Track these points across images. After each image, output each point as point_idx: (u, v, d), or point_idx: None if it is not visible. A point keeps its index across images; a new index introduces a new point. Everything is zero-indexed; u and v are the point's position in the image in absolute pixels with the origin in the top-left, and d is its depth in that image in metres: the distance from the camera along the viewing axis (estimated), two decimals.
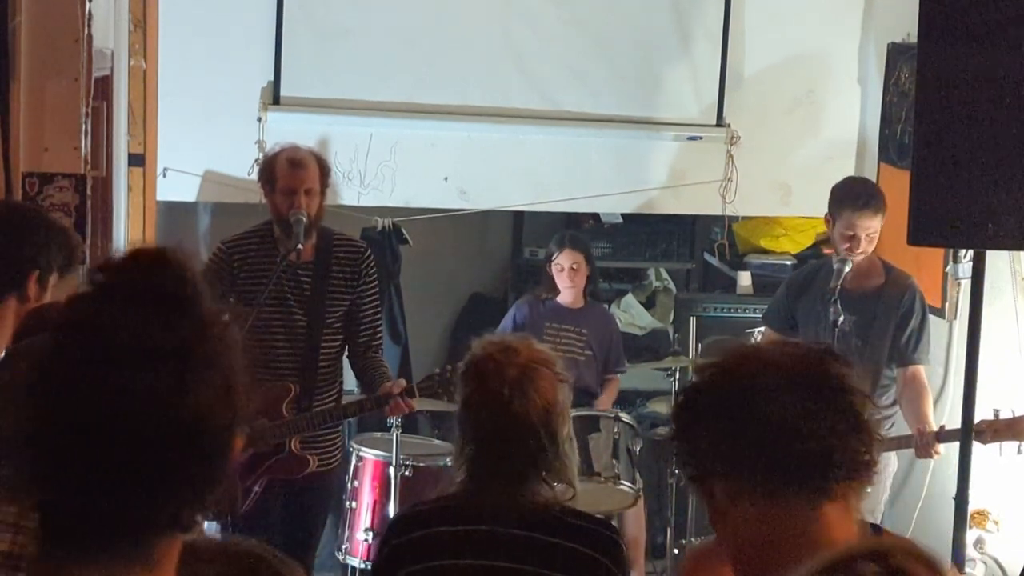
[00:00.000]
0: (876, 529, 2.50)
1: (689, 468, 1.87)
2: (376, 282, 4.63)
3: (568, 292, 5.76)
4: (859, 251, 4.71)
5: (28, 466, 1.26)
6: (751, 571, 1.84)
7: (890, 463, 4.88)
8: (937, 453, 4.68)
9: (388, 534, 2.87)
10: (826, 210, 4.84)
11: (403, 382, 4.44)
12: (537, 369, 2.79)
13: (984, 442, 4.31)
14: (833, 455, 1.78)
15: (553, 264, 5.77)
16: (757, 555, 1.82)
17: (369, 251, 4.64)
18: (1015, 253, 4.88)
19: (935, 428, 4.68)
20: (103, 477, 1.24)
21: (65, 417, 1.23)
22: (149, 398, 1.23)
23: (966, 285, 4.94)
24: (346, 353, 4.63)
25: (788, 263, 6.51)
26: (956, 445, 4.09)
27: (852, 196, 4.77)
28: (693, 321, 6.32)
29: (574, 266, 5.74)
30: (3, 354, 2.86)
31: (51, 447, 1.24)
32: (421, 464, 4.78)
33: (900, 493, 5.40)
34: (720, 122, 6.11)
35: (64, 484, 1.25)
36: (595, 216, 6.87)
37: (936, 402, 5.19)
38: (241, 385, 1.30)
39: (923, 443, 4.62)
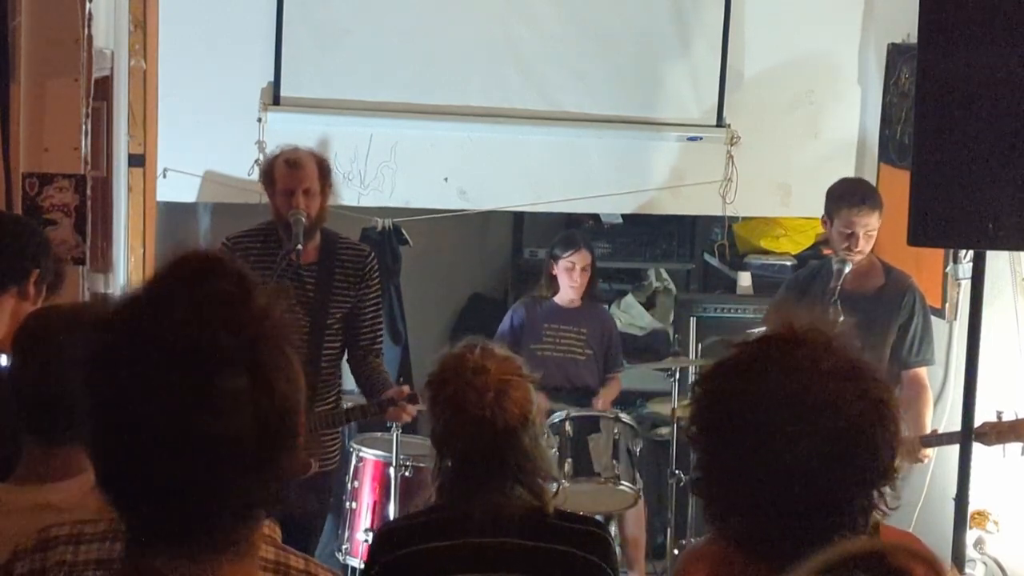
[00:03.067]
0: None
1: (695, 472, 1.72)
2: (379, 287, 4.64)
3: (570, 291, 5.75)
4: (857, 249, 4.70)
5: (114, 467, 1.29)
6: None
7: None
8: (926, 457, 4.68)
9: (376, 551, 2.84)
10: (822, 212, 4.85)
11: (406, 388, 4.44)
12: (509, 380, 2.77)
13: (988, 444, 4.30)
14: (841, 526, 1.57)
15: (562, 262, 5.74)
16: None
17: (373, 255, 4.64)
18: (1015, 253, 4.87)
19: (928, 431, 4.69)
20: (196, 478, 1.26)
21: (146, 422, 1.25)
22: (237, 396, 1.26)
23: (966, 285, 4.93)
24: (345, 356, 4.63)
25: (788, 263, 6.51)
26: (956, 446, 4.08)
27: (849, 194, 4.78)
28: (693, 321, 6.32)
29: (584, 267, 5.74)
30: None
31: (135, 451, 1.26)
32: (421, 464, 4.76)
33: (900, 493, 5.38)
34: (720, 122, 6.10)
35: (156, 486, 1.27)
36: (595, 216, 6.86)
37: (936, 403, 5.18)
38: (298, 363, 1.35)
39: (908, 448, 4.62)
